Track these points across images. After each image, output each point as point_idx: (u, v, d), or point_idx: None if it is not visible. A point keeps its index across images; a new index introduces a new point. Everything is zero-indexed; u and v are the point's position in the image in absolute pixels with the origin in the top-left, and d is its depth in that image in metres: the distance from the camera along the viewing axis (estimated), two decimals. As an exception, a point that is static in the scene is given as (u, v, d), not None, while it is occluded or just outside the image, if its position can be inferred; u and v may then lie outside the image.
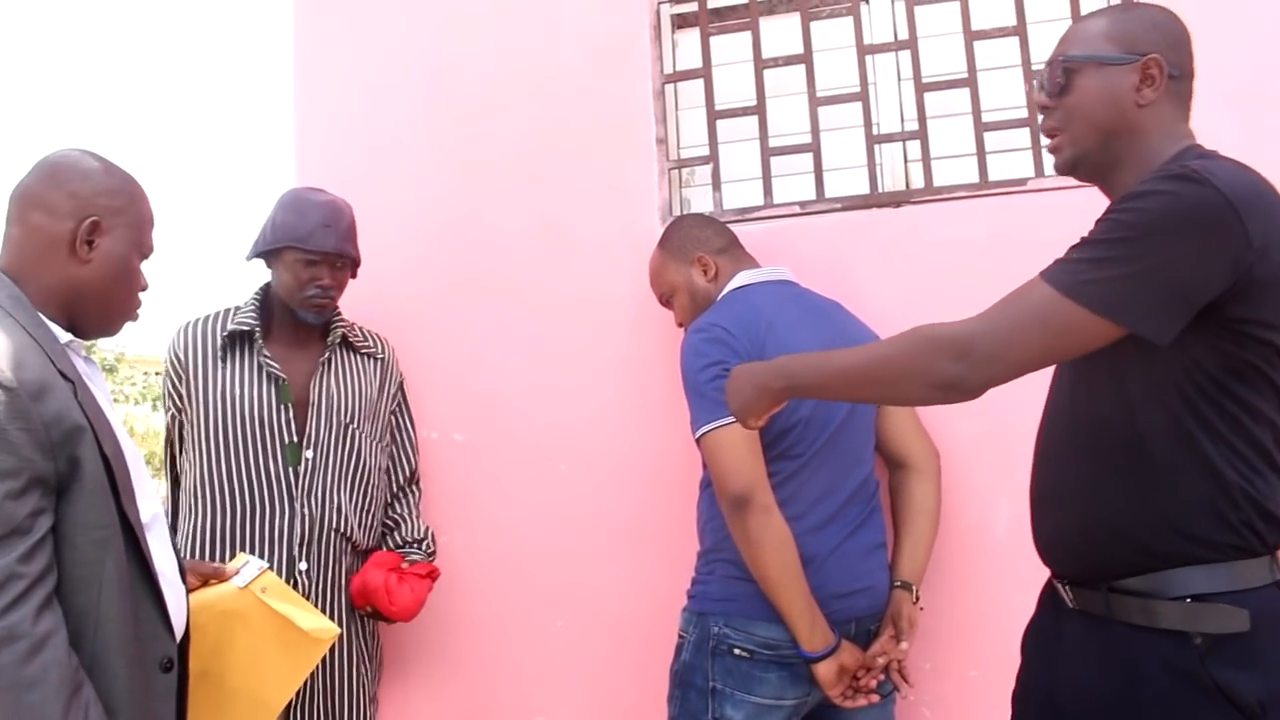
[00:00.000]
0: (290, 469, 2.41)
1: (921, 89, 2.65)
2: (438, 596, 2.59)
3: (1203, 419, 1.44)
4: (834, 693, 2.04)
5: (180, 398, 2.49)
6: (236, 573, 1.95)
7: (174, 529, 2.40)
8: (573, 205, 2.76)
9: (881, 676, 2.14)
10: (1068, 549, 1.62)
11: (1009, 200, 2.53)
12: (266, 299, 2.54)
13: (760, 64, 2.75)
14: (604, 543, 2.66)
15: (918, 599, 2.23)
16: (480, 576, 2.74)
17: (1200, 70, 2.34)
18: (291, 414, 2.44)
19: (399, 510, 2.64)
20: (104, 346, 10.71)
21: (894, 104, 2.72)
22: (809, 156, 2.70)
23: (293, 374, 2.47)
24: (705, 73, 2.79)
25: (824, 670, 2.02)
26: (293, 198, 2.49)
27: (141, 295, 1.76)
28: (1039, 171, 2.57)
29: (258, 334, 2.46)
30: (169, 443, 2.57)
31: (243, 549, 2.36)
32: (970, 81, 2.62)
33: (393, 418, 2.67)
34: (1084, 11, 2.49)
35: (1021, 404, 2.25)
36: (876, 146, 2.69)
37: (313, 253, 2.42)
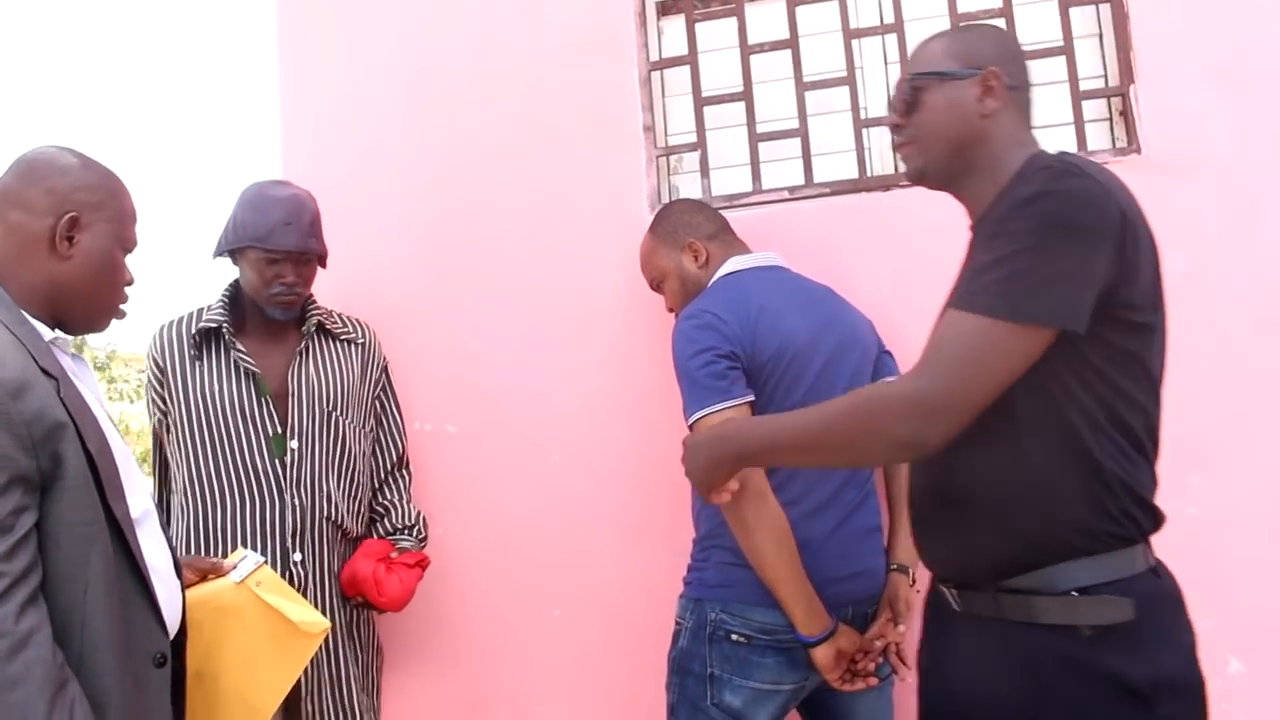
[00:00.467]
0: (276, 461, 2.41)
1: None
2: (434, 587, 2.59)
3: (1082, 409, 1.48)
4: (832, 677, 2.05)
5: (163, 400, 2.48)
6: (234, 567, 1.95)
7: (166, 527, 2.40)
8: (561, 195, 2.76)
9: (879, 660, 2.14)
10: (954, 552, 1.64)
11: (998, 182, 2.53)
12: (237, 294, 2.53)
13: (746, 49, 2.74)
14: (599, 531, 2.67)
15: (914, 582, 2.23)
16: (476, 567, 2.74)
17: (1185, 45, 2.34)
18: (271, 406, 2.43)
19: (388, 496, 2.64)
20: (95, 344, 10.63)
21: (881, 87, 2.72)
22: (797, 142, 2.70)
23: (270, 366, 2.47)
24: (691, 59, 2.78)
25: (821, 654, 2.03)
26: (254, 194, 2.46)
27: (129, 290, 1.75)
28: (1027, 153, 2.57)
29: (226, 330, 2.45)
30: (157, 446, 2.57)
31: (236, 544, 2.36)
32: (957, 64, 2.62)
33: (376, 403, 2.66)
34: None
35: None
36: (864, 130, 2.69)
37: (274, 251, 2.40)
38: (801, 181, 2.68)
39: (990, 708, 1.54)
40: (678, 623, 2.20)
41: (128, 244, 1.72)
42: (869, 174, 2.67)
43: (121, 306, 1.75)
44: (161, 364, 2.47)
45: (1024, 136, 1.67)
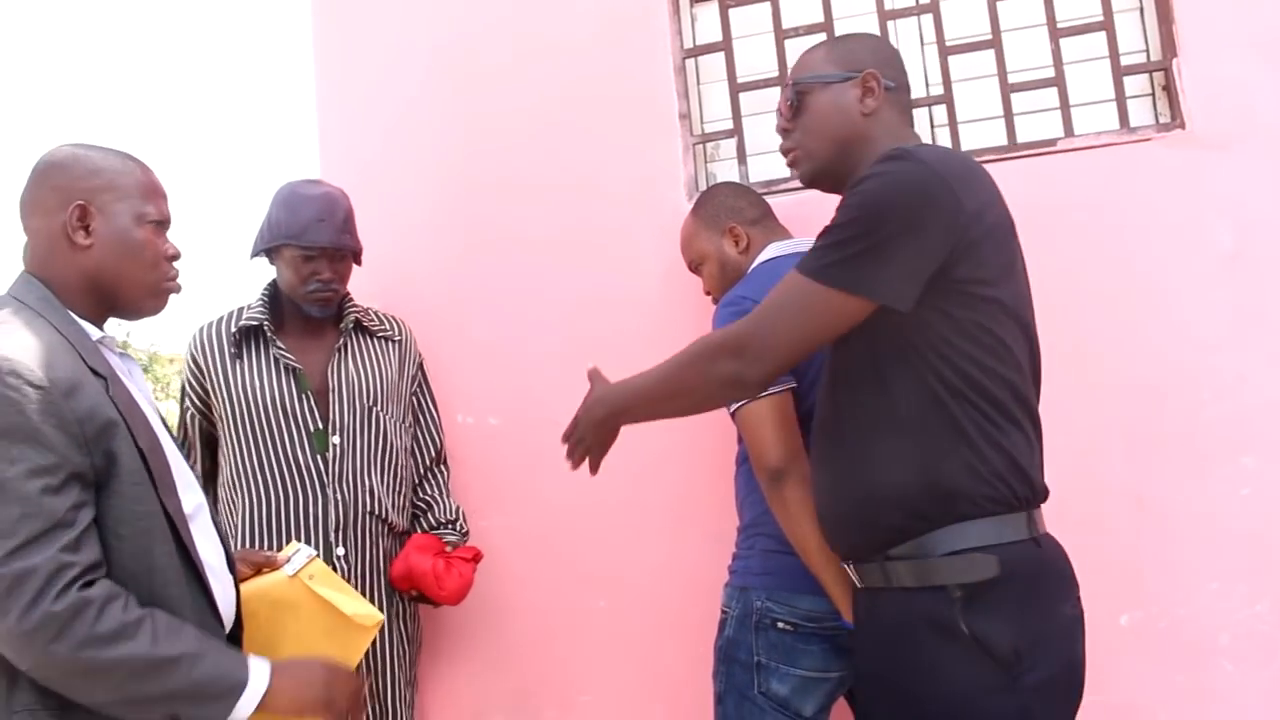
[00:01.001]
0: (318, 456, 2.44)
1: (945, 52, 2.63)
2: (479, 578, 2.60)
3: (944, 380, 1.56)
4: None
5: (204, 397, 2.52)
6: (287, 561, 1.96)
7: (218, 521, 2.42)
8: (598, 185, 2.76)
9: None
10: (846, 528, 1.73)
11: (1039, 161, 2.51)
12: (276, 294, 2.56)
13: (781, 34, 2.72)
14: (643, 522, 2.66)
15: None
16: (520, 560, 2.75)
17: (1229, 16, 2.31)
18: (312, 402, 2.46)
19: (429, 492, 2.66)
20: (138, 345, 10.77)
21: (918, 68, 2.69)
22: (833, 125, 2.67)
23: (310, 363, 2.49)
24: (726, 46, 2.77)
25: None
26: (288, 193, 2.49)
27: (176, 265, 1.73)
28: (1068, 131, 2.54)
29: (267, 328, 2.48)
30: (183, 440, 2.57)
31: (283, 538, 2.39)
32: (995, 42, 2.60)
33: (414, 399, 2.68)
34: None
35: (1054, 367, 2.24)
36: (902, 112, 2.66)
37: (309, 248, 2.42)
38: (839, 166, 2.66)
39: (883, 674, 1.66)
40: (723, 611, 2.19)
41: (149, 217, 1.68)
42: (907, 156, 2.65)
43: (172, 281, 1.72)
44: (201, 363, 2.50)
45: (904, 133, 1.78)
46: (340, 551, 2.41)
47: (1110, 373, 2.42)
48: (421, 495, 2.65)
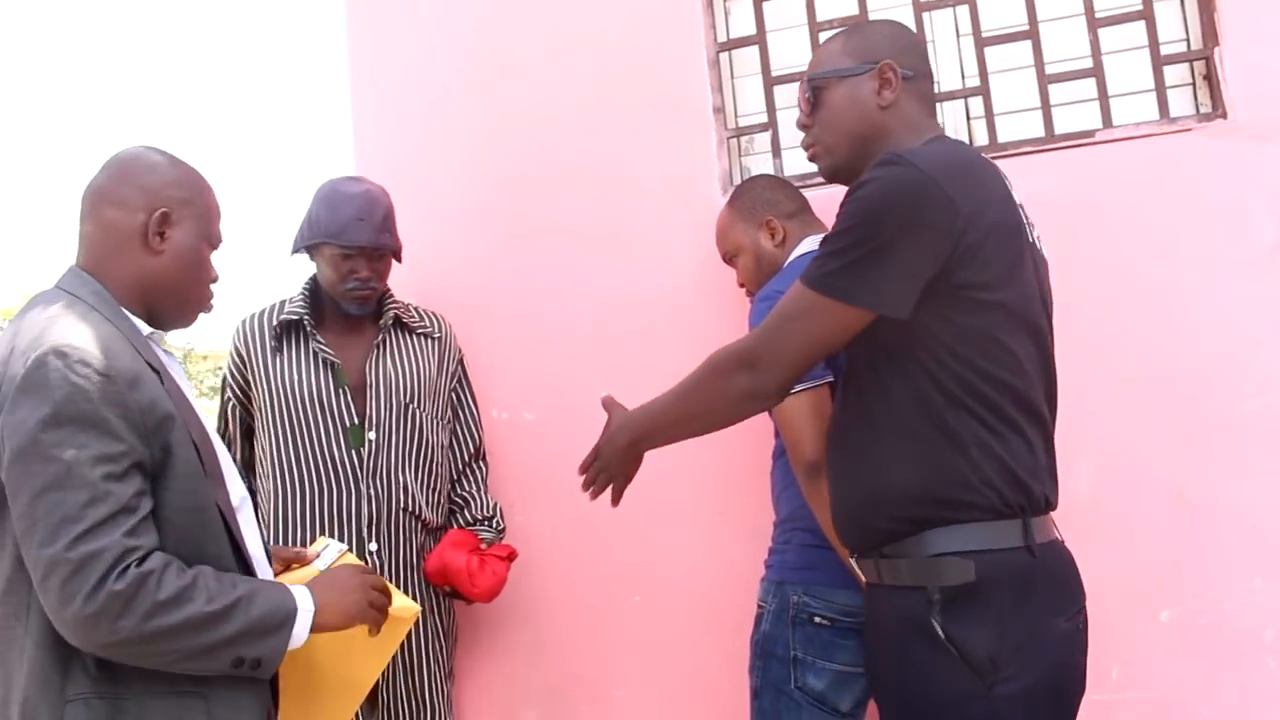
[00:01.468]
0: (353, 451, 2.45)
1: (981, 43, 2.61)
2: (514, 573, 2.61)
3: (940, 386, 1.55)
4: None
5: (244, 389, 2.55)
6: (317, 556, 1.97)
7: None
8: (632, 179, 2.75)
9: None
10: (849, 526, 1.74)
11: (1076, 154, 2.48)
12: (316, 288, 2.58)
13: (815, 27, 2.71)
14: (679, 516, 2.66)
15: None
16: (556, 554, 2.75)
17: (1272, 3, 2.26)
18: (349, 397, 2.47)
19: (466, 488, 2.67)
20: (174, 342, 10.91)
21: (954, 60, 2.67)
22: (869, 118, 2.66)
23: (348, 358, 2.51)
24: (760, 39, 2.76)
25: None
26: (328, 191, 2.50)
27: (213, 287, 1.80)
28: (1106, 123, 2.52)
29: (307, 322, 2.50)
30: (223, 431, 2.62)
31: (313, 531, 2.42)
32: (1032, 33, 2.58)
33: (453, 395, 2.69)
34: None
35: (1095, 361, 2.22)
36: (938, 105, 2.64)
37: (348, 247, 2.44)
38: (874, 159, 2.64)
39: (874, 668, 1.71)
40: (760, 606, 2.19)
41: (214, 240, 1.76)
42: (943, 149, 2.63)
43: (209, 303, 1.79)
44: (243, 353, 2.54)
45: (923, 123, 1.74)
46: (373, 547, 2.43)
47: (1150, 366, 2.39)
48: (459, 491, 2.66)
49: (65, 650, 1.46)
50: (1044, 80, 2.56)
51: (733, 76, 2.84)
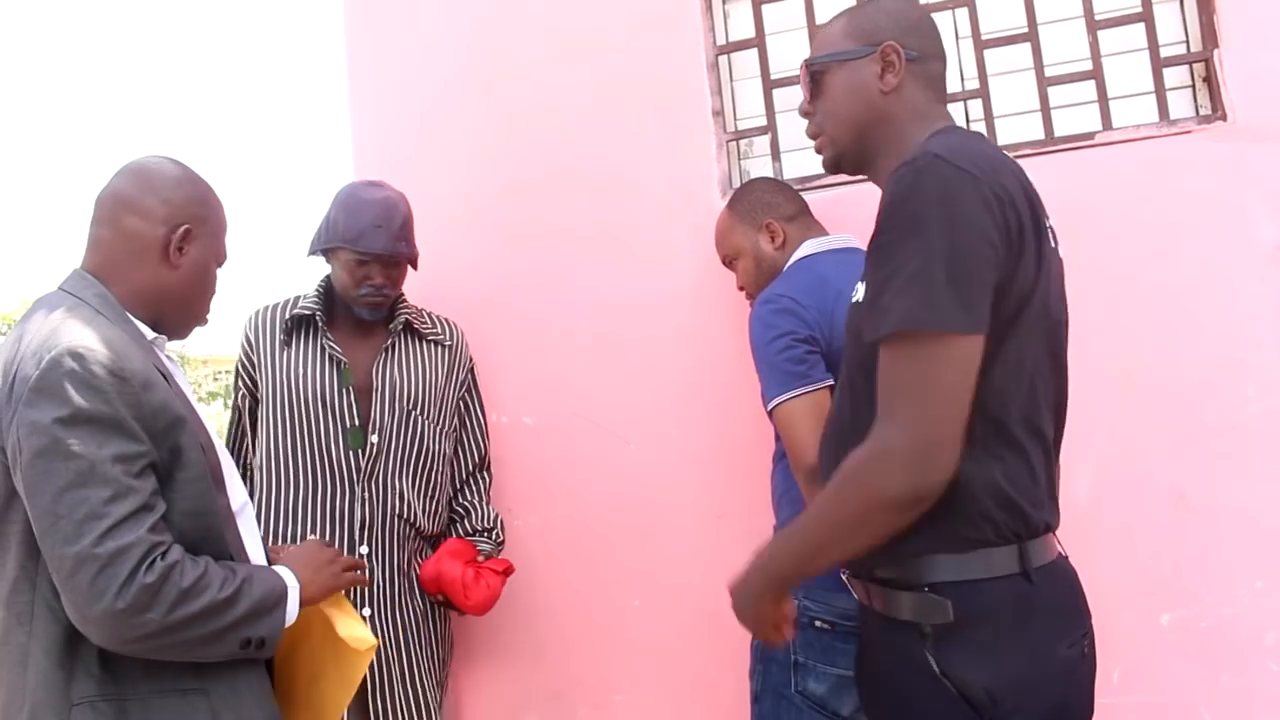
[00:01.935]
0: (351, 452, 2.44)
1: (981, 46, 2.61)
2: (514, 579, 2.60)
3: None
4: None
5: (252, 380, 2.55)
6: None
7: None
8: (632, 182, 2.75)
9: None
10: None
11: (1076, 156, 2.48)
12: (330, 287, 2.57)
13: (814, 30, 2.70)
14: (678, 520, 2.66)
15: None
16: (554, 558, 2.75)
17: (1272, 5, 2.25)
18: (353, 398, 2.46)
19: (468, 497, 2.66)
20: (169, 347, 10.90)
21: (954, 63, 2.67)
22: (869, 121, 2.65)
23: (356, 360, 2.50)
24: (759, 42, 2.76)
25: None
26: (347, 195, 2.50)
27: (212, 302, 1.83)
28: (1106, 125, 2.52)
29: (319, 319, 2.50)
30: (235, 423, 2.62)
31: (305, 527, 2.41)
32: (1031, 36, 2.57)
33: (461, 403, 2.68)
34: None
35: (1095, 364, 2.21)
36: (938, 107, 2.64)
37: (364, 253, 2.43)
38: (874, 161, 2.64)
39: (870, 703, 1.57)
40: (760, 610, 2.18)
41: (222, 257, 1.80)
42: (943, 152, 2.62)
43: (206, 317, 1.83)
44: (253, 344, 2.54)
45: (930, 110, 1.62)
46: (364, 550, 2.42)
47: (1151, 369, 2.39)
48: (460, 500, 2.66)
49: (70, 654, 1.47)
50: (1044, 82, 2.56)
51: (732, 79, 2.84)
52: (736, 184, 2.73)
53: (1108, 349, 2.37)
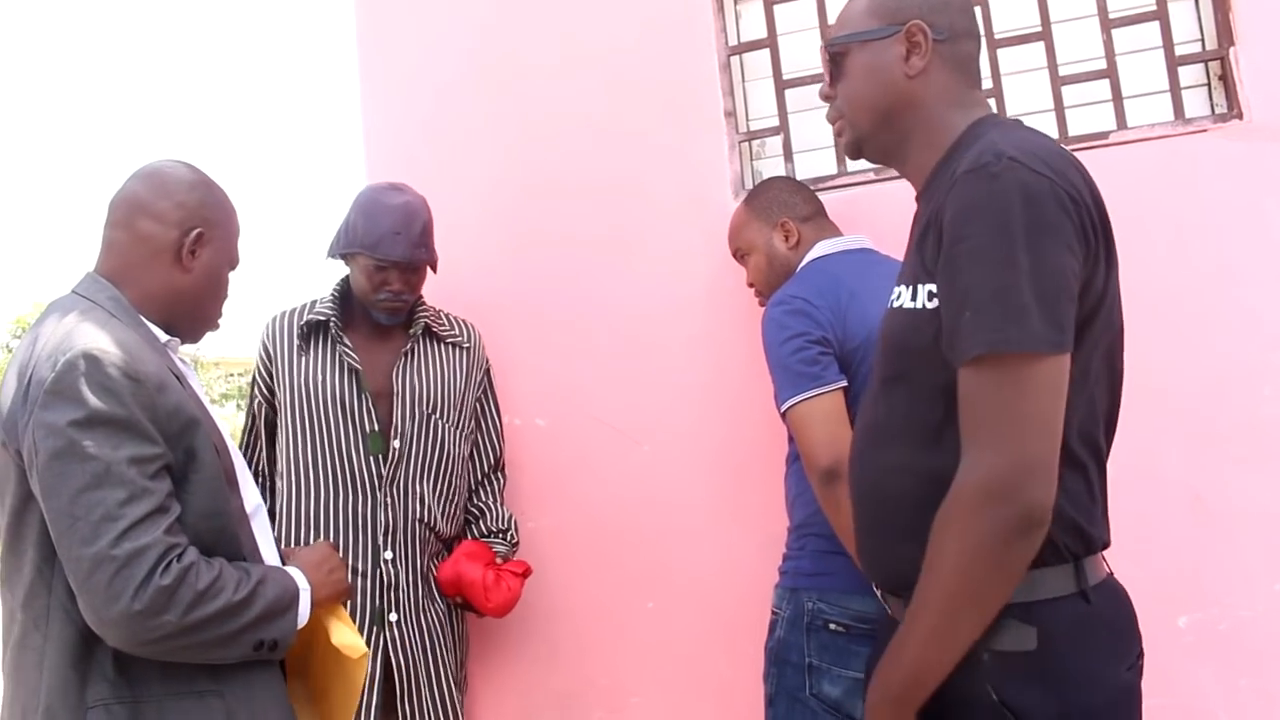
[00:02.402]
0: (371, 457, 2.44)
1: (994, 45, 2.59)
2: (528, 581, 2.60)
3: None
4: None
5: (270, 388, 2.55)
6: None
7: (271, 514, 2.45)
8: (644, 184, 2.74)
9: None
10: (876, 557, 1.51)
11: (1091, 155, 2.44)
12: (348, 290, 2.57)
13: (826, 30, 2.70)
14: (691, 522, 2.65)
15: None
16: (568, 561, 2.74)
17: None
18: (371, 403, 2.46)
19: (483, 499, 2.65)
20: (183, 350, 10.96)
21: (966, 63, 2.66)
22: (881, 122, 2.64)
23: (375, 364, 2.50)
24: (771, 42, 2.75)
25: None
26: (367, 200, 2.49)
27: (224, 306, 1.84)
28: (1121, 124, 2.50)
29: (334, 324, 2.49)
30: (251, 429, 2.62)
31: (328, 534, 2.41)
32: (1045, 35, 2.56)
33: (478, 404, 2.67)
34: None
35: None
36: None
37: (382, 260, 2.43)
38: (887, 162, 2.63)
39: None
40: (774, 612, 2.18)
41: (234, 262, 1.81)
42: (956, 152, 2.61)
43: (218, 321, 1.84)
44: (271, 351, 2.54)
45: (963, 96, 1.50)
46: (388, 555, 2.42)
47: (1168, 369, 2.37)
48: (475, 501, 2.65)
49: (85, 657, 1.48)
50: (1057, 82, 2.55)
51: (744, 80, 2.83)
52: (749, 185, 2.72)
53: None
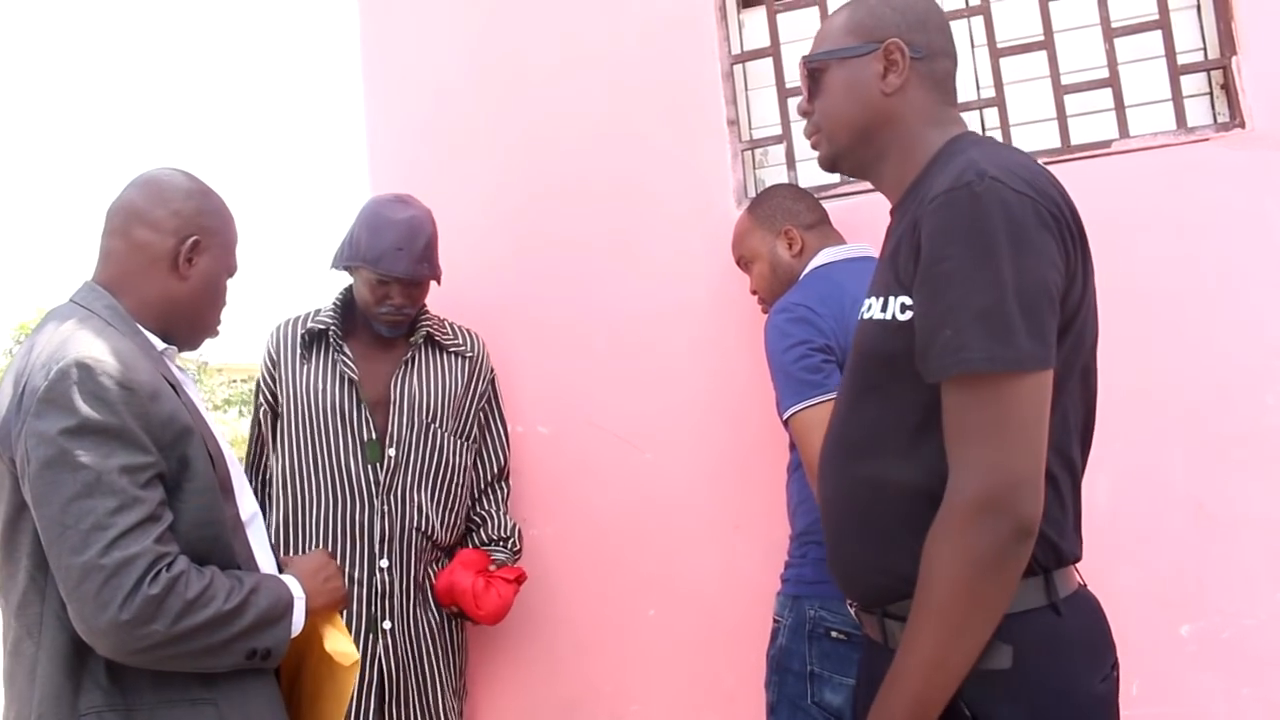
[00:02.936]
0: (370, 466, 2.44)
1: (997, 54, 2.60)
2: (529, 587, 2.60)
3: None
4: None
5: (273, 394, 2.55)
6: None
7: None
8: (647, 192, 2.75)
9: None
10: (847, 570, 1.50)
11: (1093, 164, 2.47)
12: (351, 299, 2.57)
13: (829, 39, 2.70)
14: (694, 529, 2.65)
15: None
16: (570, 568, 2.74)
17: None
18: (368, 412, 2.46)
19: (485, 507, 2.65)
20: (188, 356, 11.02)
21: (969, 71, 2.66)
22: (883, 130, 2.65)
23: (375, 373, 2.50)
24: (774, 51, 2.76)
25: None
26: (371, 213, 2.49)
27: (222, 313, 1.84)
28: (1123, 133, 2.50)
29: (333, 333, 2.50)
30: (255, 436, 2.63)
31: (325, 542, 2.42)
32: (1048, 44, 2.56)
33: (481, 414, 2.67)
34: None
35: (1113, 373, 2.19)
36: (953, 116, 2.63)
37: (384, 275, 2.43)
38: (889, 170, 2.63)
39: None
40: (776, 620, 2.18)
41: (232, 270, 1.81)
42: (959, 160, 2.62)
43: (217, 329, 1.84)
44: (275, 359, 2.55)
45: (939, 113, 1.52)
46: (384, 564, 2.42)
47: (1171, 377, 2.37)
48: (478, 510, 2.65)
49: (78, 665, 1.48)
50: (1060, 90, 2.55)
51: (747, 89, 2.84)
52: (752, 193, 2.72)
53: (1125, 358, 2.35)
